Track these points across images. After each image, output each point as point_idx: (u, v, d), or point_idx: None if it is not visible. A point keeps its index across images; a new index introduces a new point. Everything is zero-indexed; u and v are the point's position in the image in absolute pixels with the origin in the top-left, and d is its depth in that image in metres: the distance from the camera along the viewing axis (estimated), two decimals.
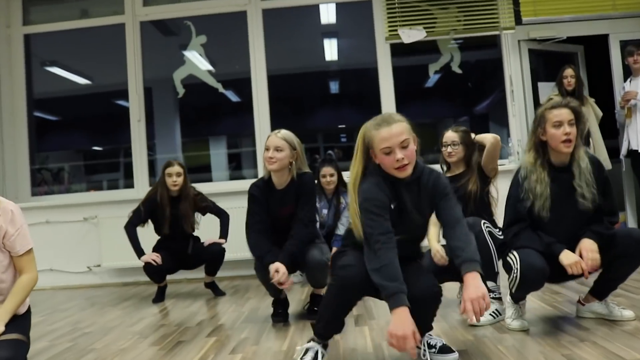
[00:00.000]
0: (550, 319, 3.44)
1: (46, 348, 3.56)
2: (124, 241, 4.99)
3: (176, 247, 5.14)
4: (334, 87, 9.99)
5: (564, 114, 3.11)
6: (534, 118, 3.27)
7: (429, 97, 9.60)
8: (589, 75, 6.83)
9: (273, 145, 3.80)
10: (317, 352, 2.75)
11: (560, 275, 3.08)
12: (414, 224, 2.68)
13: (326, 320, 2.71)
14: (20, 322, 2.72)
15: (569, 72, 5.99)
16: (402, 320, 2.40)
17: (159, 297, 5.15)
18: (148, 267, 4.97)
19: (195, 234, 5.25)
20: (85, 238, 6.31)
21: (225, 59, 7.54)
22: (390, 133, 2.59)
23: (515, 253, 3.08)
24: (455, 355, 2.76)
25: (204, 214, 5.28)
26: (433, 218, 2.81)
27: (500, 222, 3.57)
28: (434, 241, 3.70)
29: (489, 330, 3.29)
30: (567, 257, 3.03)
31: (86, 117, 9.41)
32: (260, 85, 6.68)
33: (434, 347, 2.77)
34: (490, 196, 4.02)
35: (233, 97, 8.80)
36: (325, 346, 2.80)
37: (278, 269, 3.61)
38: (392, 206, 2.62)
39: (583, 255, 3.02)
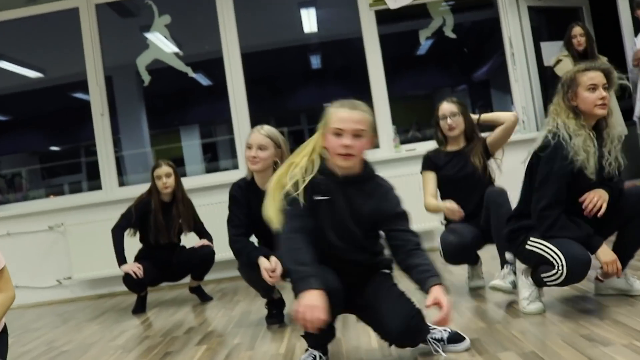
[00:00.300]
0: (567, 299, 3.58)
1: None
2: (95, 249, 5.12)
3: (160, 256, 5.24)
4: (315, 62, 10.14)
5: (599, 77, 3.27)
6: (561, 81, 3.41)
7: (423, 66, 9.77)
8: (596, 32, 6.98)
9: (256, 143, 3.86)
10: (316, 357, 2.87)
11: None
12: (346, 230, 2.80)
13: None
14: None
15: (577, 30, 6.14)
16: (311, 297, 2.48)
17: (140, 307, 5.25)
18: (128, 279, 5.07)
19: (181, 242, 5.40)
20: (53, 249, 6.40)
21: (193, 39, 7.68)
22: (349, 116, 2.73)
23: (551, 246, 3.19)
24: (467, 342, 2.90)
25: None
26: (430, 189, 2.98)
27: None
28: (438, 202, 4.01)
29: (501, 316, 3.43)
30: (605, 254, 3.22)
31: (40, 115, 9.54)
32: (234, 65, 6.76)
33: (442, 340, 2.90)
34: (491, 170, 4.20)
35: (204, 80, 8.93)
36: (324, 352, 2.93)
37: (270, 261, 3.71)
38: (319, 198, 2.76)
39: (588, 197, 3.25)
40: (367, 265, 2.91)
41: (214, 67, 7.44)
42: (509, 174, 4.06)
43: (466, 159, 4.19)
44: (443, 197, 4.22)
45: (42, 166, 10.21)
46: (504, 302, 3.74)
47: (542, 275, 3.26)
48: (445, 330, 2.93)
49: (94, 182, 7.17)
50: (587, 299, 3.52)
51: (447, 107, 4.20)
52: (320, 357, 2.89)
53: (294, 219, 2.71)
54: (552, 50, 6.58)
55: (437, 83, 10.74)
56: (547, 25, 7.04)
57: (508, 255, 3.84)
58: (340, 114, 2.74)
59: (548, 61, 6.58)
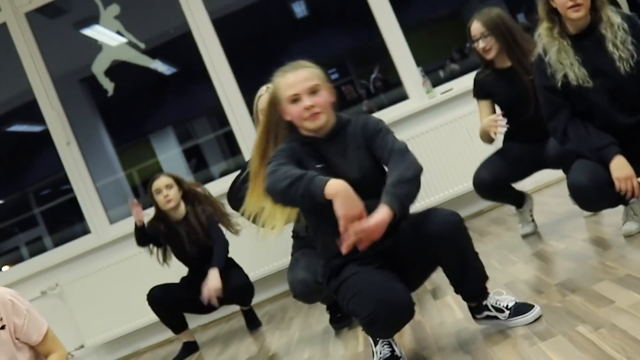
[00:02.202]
0: None
1: None
2: (103, 306, 5.83)
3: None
4: (299, 9, 10.79)
5: None
6: None
7: None
8: None
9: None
10: (389, 354, 3.46)
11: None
12: (355, 179, 3.29)
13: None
14: None
15: None
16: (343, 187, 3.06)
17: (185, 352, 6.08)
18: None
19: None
20: (53, 317, 7.06)
21: (142, 21, 8.32)
22: (296, 78, 3.36)
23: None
24: (537, 309, 3.42)
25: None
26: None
27: None
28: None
29: (592, 250, 4.15)
30: (618, 168, 3.83)
31: None
32: (207, 37, 7.51)
33: (506, 308, 3.44)
34: None
35: (166, 69, 9.55)
36: (391, 345, 3.49)
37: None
38: (320, 166, 3.35)
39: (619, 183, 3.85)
40: None
41: (175, 48, 8.16)
42: None
43: (517, 76, 4.94)
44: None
45: None
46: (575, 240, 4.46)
47: None
48: (509, 298, 3.46)
49: (57, 235, 7.89)
50: None
51: (475, 27, 4.98)
52: (392, 350, 3.45)
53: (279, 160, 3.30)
54: None
55: None
56: None
57: None
58: (287, 81, 3.37)
59: None
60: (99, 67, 7.75)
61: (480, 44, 4.93)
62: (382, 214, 3.00)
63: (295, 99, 3.34)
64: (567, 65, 3.93)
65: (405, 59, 7.44)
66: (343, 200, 2.99)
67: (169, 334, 6.48)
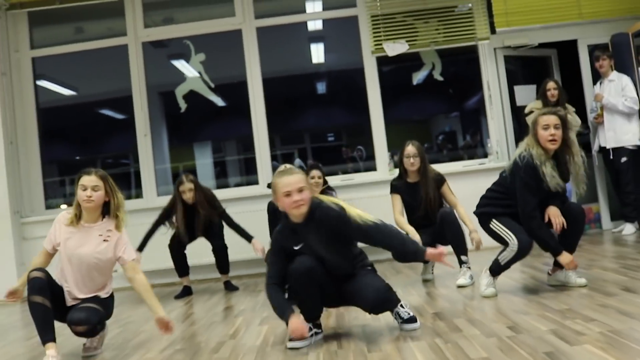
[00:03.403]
0: (514, 289, 4.84)
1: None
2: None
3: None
4: (320, 88, 11.25)
5: (552, 119, 4.48)
6: (532, 122, 4.65)
7: (418, 95, 10.88)
8: (563, 77, 8.26)
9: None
10: (309, 328, 3.92)
11: None
12: (326, 255, 3.88)
13: (303, 306, 3.97)
14: (101, 301, 4.11)
15: (551, 85, 7.33)
16: (297, 322, 3.72)
17: (184, 292, 6.63)
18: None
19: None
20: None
21: (215, 65, 8.81)
22: (290, 180, 3.80)
23: (506, 229, 4.55)
24: (418, 324, 3.93)
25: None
26: (398, 208, 4.44)
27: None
28: (405, 224, 5.54)
29: (457, 298, 4.69)
30: (566, 257, 4.50)
31: (66, 128, 10.26)
32: (256, 88, 8.07)
33: (402, 317, 3.95)
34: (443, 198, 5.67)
35: (220, 102, 9.98)
36: (316, 325, 3.99)
37: None
38: (297, 248, 3.86)
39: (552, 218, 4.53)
40: (351, 266, 4.03)
41: (232, 90, 8.62)
42: (474, 196, 5.27)
43: (420, 189, 5.65)
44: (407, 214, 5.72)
45: (60, 178, 10.82)
46: (454, 290, 5.00)
47: (499, 257, 4.59)
48: (407, 312, 3.96)
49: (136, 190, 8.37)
50: (525, 289, 4.77)
51: (410, 149, 5.62)
52: (311, 329, 3.93)
53: (274, 266, 3.93)
54: (524, 94, 7.88)
55: (433, 110, 11.81)
56: (521, 70, 8.29)
57: (463, 257, 5.29)
58: (283, 181, 3.80)
59: (520, 102, 7.88)
60: (180, 92, 8.23)
61: (411, 160, 5.63)
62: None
63: (287, 194, 3.80)
64: (554, 180, 4.48)
65: (381, 143, 7.97)
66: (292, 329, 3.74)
67: (174, 278, 7.03)
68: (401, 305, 4.01)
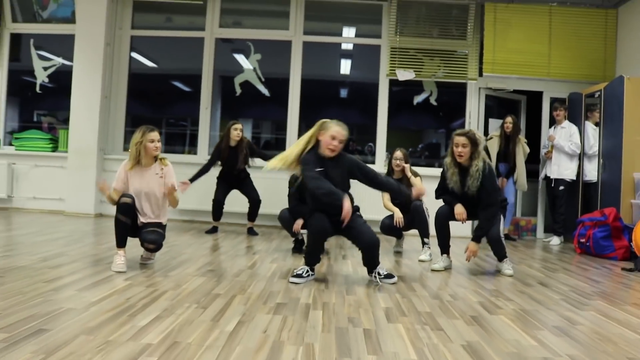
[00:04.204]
0: (466, 270, 5.13)
1: None
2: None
3: (232, 180, 6.86)
4: (343, 93, 11.42)
5: (461, 139, 4.69)
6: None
7: (416, 111, 11.06)
8: (527, 117, 8.48)
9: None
10: (307, 270, 4.27)
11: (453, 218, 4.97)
12: (334, 182, 4.13)
13: (309, 254, 4.28)
14: (162, 227, 4.43)
15: (508, 120, 7.58)
16: (348, 203, 3.97)
17: (212, 230, 6.88)
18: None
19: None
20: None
21: (271, 69, 8.99)
22: (340, 130, 4.14)
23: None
24: (395, 278, 4.33)
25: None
26: (387, 195, 4.98)
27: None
28: (393, 207, 5.61)
29: (416, 269, 4.99)
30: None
31: (146, 91, 10.54)
32: (295, 85, 8.33)
33: (381, 275, 4.31)
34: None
35: (267, 92, 10.14)
36: (312, 269, 4.32)
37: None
38: (320, 170, 4.11)
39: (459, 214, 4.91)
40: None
41: (276, 84, 8.84)
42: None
43: (405, 184, 5.82)
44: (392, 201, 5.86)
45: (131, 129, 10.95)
46: (416, 262, 5.30)
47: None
48: (383, 270, 4.31)
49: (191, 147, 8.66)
50: (469, 271, 5.06)
51: (398, 154, 5.82)
52: (309, 273, 4.26)
53: (313, 170, 4.11)
54: (495, 125, 8.10)
55: (426, 124, 12.00)
56: (497, 107, 8.50)
57: (425, 240, 5.59)
58: (337, 128, 4.13)
59: (491, 131, 8.09)
60: (238, 80, 8.47)
61: (397, 162, 5.78)
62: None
63: (333, 137, 4.12)
64: (452, 181, 4.83)
65: (382, 145, 8.22)
66: (346, 209, 3.96)
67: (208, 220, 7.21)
68: (379, 267, 4.31)
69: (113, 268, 4.19)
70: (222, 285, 3.89)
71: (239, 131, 6.75)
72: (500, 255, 4.94)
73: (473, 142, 4.68)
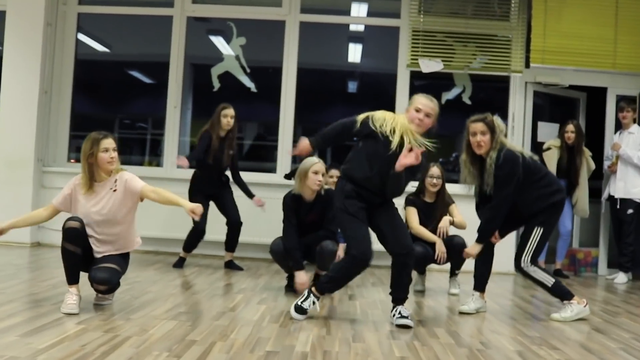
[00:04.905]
0: (502, 313, 5.43)
1: None
2: (143, 213, 6.96)
3: (210, 191, 7.16)
4: (352, 86, 11.61)
5: (478, 126, 5.06)
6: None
7: (446, 112, 11.29)
8: (587, 121, 8.80)
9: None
10: (313, 302, 4.73)
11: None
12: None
13: (335, 281, 4.72)
14: (122, 258, 4.73)
15: (570, 127, 7.92)
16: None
17: (180, 262, 7.19)
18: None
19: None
20: None
21: (259, 56, 9.17)
22: (426, 103, 4.68)
23: None
24: (410, 322, 4.64)
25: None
26: (415, 219, 5.83)
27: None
28: (429, 234, 6.17)
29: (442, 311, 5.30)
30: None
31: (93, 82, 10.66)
32: (290, 75, 8.60)
33: (404, 315, 4.64)
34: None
35: (252, 86, 10.32)
36: (318, 298, 4.77)
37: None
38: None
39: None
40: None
41: (264, 75, 9.07)
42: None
43: (436, 210, 6.26)
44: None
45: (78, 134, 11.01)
46: (441, 304, 5.61)
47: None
48: (406, 310, 4.69)
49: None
50: (507, 314, 5.37)
51: (435, 170, 6.20)
52: (315, 303, 4.74)
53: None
54: (546, 131, 8.44)
55: (457, 128, 12.21)
56: (549, 107, 8.80)
57: (456, 271, 6.22)
58: (422, 100, 4.69)
59: (541, 137, 8.43)
60: (217, 71, 8.75)
61: (434, 181, 6.20)
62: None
63: (418, 110, 4.65)
64: (469, 183, 5.30)
65: None
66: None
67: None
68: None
69: (63, 309, 4.48)
70: (199, 331, 4.17)
71: (230, 118, 7.06)
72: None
73: (491, 128, 5.07)
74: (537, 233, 5.18)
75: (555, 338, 4.51)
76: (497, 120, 5.14)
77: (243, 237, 7.34)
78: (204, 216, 6.98)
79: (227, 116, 7.03)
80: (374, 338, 4.25)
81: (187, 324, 4.33)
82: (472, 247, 5.32)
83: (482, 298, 5.41)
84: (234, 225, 7.19)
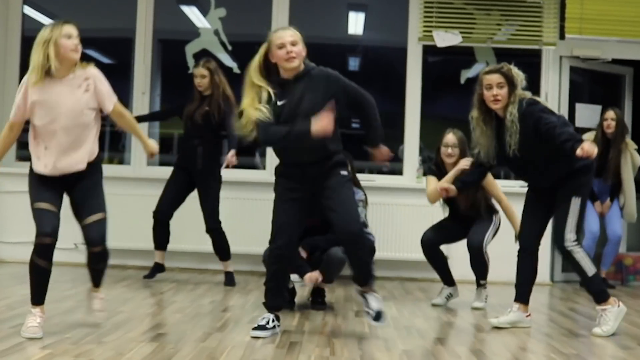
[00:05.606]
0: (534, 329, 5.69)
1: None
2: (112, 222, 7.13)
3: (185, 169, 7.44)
4: (353, 64, 11.69)
5: (494, 77, 5.25)
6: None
7: (465, 93, 11.43)
8: (635, 103, 8.99)
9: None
10: (271, 319, 4.98)
11: None
12: (307, 111, 4.78)
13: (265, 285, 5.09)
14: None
15: (610, 114, 8.00)
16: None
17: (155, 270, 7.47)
18: None
19: None
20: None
21: (241, 30, 9.42)
22: (284, 34, 4.80)
23: None
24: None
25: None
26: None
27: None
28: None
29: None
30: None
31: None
32: None
33: (371, 310, 4.96)
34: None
35: (234, 65, 10.48)
36: (277, 317, 5.04)
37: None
38: (281, 103, 4.84)
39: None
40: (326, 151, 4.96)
41: (247, 52, 9.24)
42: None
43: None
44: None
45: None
46: (463, 319, 5.87)
47: None
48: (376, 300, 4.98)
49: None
50: (540, 331, 5.61)
51: (450, 137, 6.37)
52: (274, 320, 4.98)
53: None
54: (587, 114, 8.65)
55: None
56: (588, 86, 8.95)
57: (482, 281, 6.33)
58: (278, 34, 4.81)
59: (580, 122, 8.61)
60: (192, 48, 8.90)
61: (449, 150, 6.35)
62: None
63: (281, 47, 4.76)
64: (482, 145, 5.46)
65: (413, 143, 8.72)
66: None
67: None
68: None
69: (24, 332, 4.65)
70: (183, 354, 4.36)
71: (200, 78, 7.30)
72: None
73: (510, 80, 5.26)
74: (575, 204, 5.24)
75: (595, 355, 4.76)
76: (514, 70, 5.30)
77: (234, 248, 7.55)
78: (170, 199, 7.31)
79: (197, 76, 7.32)
80: (385, 358, 4.45)
81: (168, 347, 4.52)
82: (587, 144, 4.70)
83: (524, 311, 5.59)
84: (208, 231, 7.40)
